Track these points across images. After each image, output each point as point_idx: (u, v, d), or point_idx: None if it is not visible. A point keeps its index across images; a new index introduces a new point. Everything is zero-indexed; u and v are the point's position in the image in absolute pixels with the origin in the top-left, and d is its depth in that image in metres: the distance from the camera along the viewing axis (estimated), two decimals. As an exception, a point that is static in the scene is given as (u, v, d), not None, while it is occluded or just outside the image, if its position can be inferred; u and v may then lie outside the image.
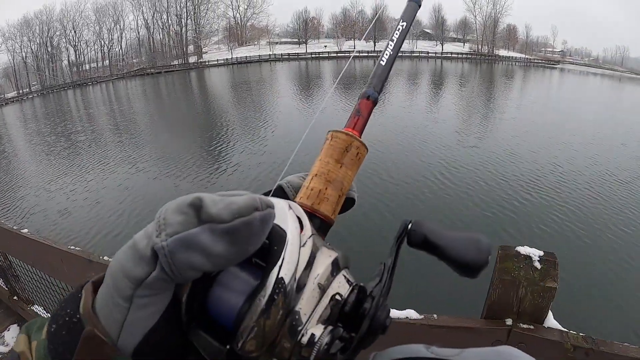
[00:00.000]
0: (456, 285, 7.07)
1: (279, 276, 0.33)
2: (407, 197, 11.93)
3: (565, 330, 1.29)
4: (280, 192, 0.51)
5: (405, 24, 0.61)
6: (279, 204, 0.38)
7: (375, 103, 0.56)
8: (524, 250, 1.27)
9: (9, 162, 21.73)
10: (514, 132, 20.49)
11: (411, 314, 1.32)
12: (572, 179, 13.41)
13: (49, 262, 2.74)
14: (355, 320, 0.37)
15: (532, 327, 1.28)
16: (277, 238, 0.35)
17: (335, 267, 0.38)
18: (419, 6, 0.64)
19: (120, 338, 0.31)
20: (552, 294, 1.25)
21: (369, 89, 0.56)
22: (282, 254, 0.34)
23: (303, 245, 0.36)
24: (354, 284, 0.39)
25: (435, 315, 1.32)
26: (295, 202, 0.46)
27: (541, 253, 1.26)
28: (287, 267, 0.34)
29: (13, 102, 57.29)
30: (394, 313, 1.33)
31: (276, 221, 0.35)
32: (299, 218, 0.39)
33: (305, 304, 0.34)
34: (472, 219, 10.48)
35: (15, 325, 4.01)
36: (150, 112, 33.69)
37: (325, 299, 0.36)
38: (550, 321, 1.31)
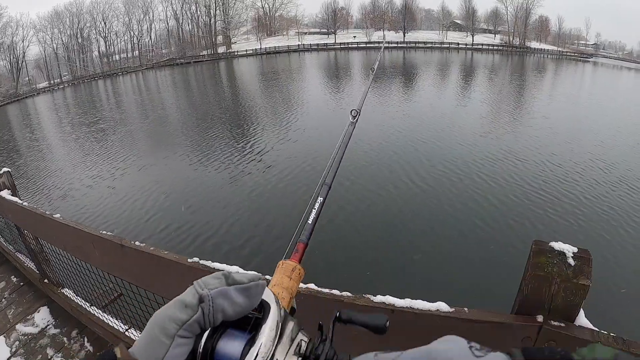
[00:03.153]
0: (486, 280, 7.07)
1: (267, 331, 0.50)
2: (443, 190, 11.86)
3: (596, 329, 1.26)
4: None
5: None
6: (266, 289, 0.56)
7: (305, 247, 0.87)
8: (557, 245, 1.24)
9: (40, 149, 22.38)
10: (548, 126, 20.10)
11: (442, 306, 1.30)
12: (604, 175, 13.16)
13: (80, 247, 2.72)
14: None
15: (563, 324, 1.25)
16: (266, 306, 0.53)
17: (298, 326, 0.56)
18: None
19: None
20: (584, 292, 1.22)
21: (303, 237, 0.89)
22: (268, 316, 0.52)
23: (280, 310, 0.55)
24: (309, 338, 0.56)
25: (466, 309, 1.30)
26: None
27: (575, 249, 1.23)
28: (271, 323, 0.51)
29: (45, 92, 58.84)
30: (425, 305, 1.33)
31: (266, 298, 0.54)
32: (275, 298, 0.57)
33: (280, 350, 0.51)
34: (507, 213, 10.47)
35: (45, 307, 4.04)
36: (178, 100, 34.26)
37: (293, 345, 0.53)
38: (582, 319, 1.28)
